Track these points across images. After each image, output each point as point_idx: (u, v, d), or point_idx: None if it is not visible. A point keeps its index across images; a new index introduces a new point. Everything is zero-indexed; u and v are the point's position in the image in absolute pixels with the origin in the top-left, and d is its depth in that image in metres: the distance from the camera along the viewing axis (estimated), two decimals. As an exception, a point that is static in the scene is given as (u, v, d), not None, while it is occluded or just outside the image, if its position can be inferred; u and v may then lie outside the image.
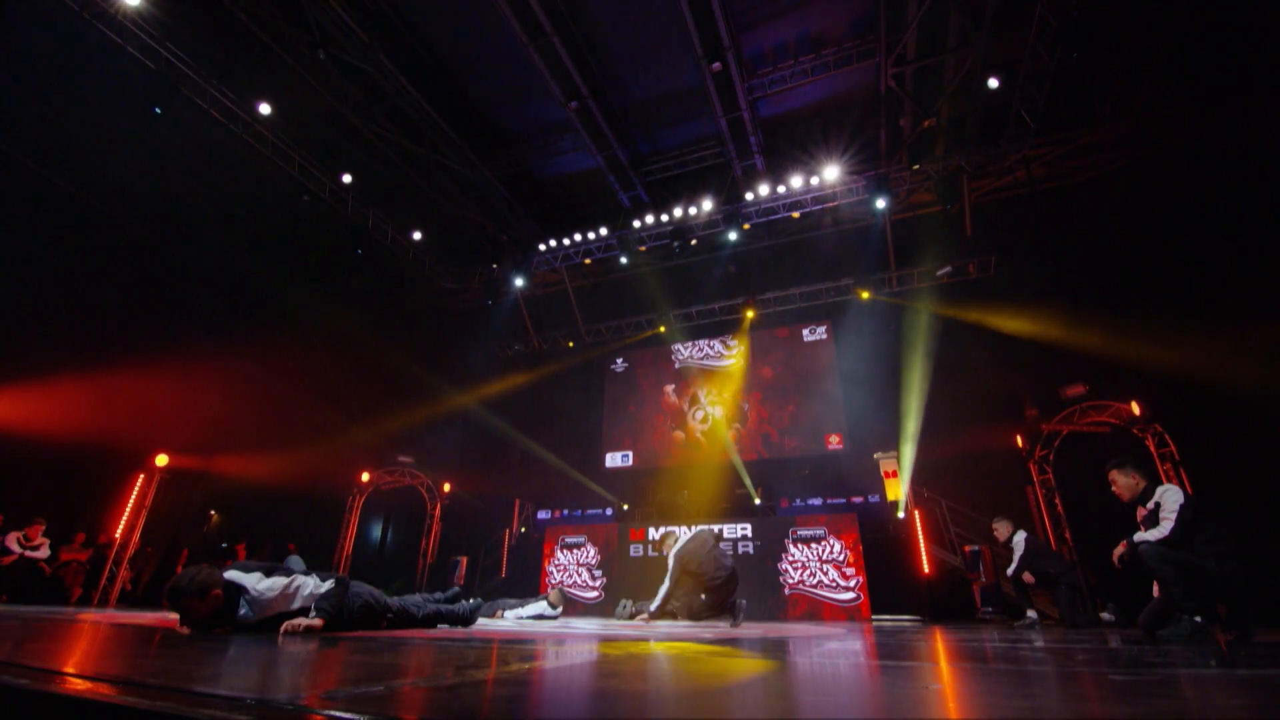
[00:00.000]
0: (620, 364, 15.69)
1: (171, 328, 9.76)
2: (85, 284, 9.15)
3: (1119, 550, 3.99)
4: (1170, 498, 3.86)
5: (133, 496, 8.89)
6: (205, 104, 9.49)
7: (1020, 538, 6.87)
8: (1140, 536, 3.85)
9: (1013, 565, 6.82)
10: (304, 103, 10.91)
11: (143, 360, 9.00)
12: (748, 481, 11.45)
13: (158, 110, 8.86)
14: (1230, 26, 8.89)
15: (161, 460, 9.17)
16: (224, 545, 10.05)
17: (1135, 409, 8.20)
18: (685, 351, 15.40)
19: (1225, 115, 8.44)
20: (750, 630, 5.03)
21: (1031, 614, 6.60)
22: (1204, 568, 3.58)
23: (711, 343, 15.14)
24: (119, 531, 8.69)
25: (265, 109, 10.16)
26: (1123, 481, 4.24)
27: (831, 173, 11.51)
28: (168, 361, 9.29)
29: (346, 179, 11.82)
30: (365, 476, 12.66)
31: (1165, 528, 3.75)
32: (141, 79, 8.62)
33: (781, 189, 11.97)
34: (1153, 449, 8.03)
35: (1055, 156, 11.62)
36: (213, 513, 12.00)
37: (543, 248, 13.97)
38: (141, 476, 9.03)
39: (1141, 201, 9.88)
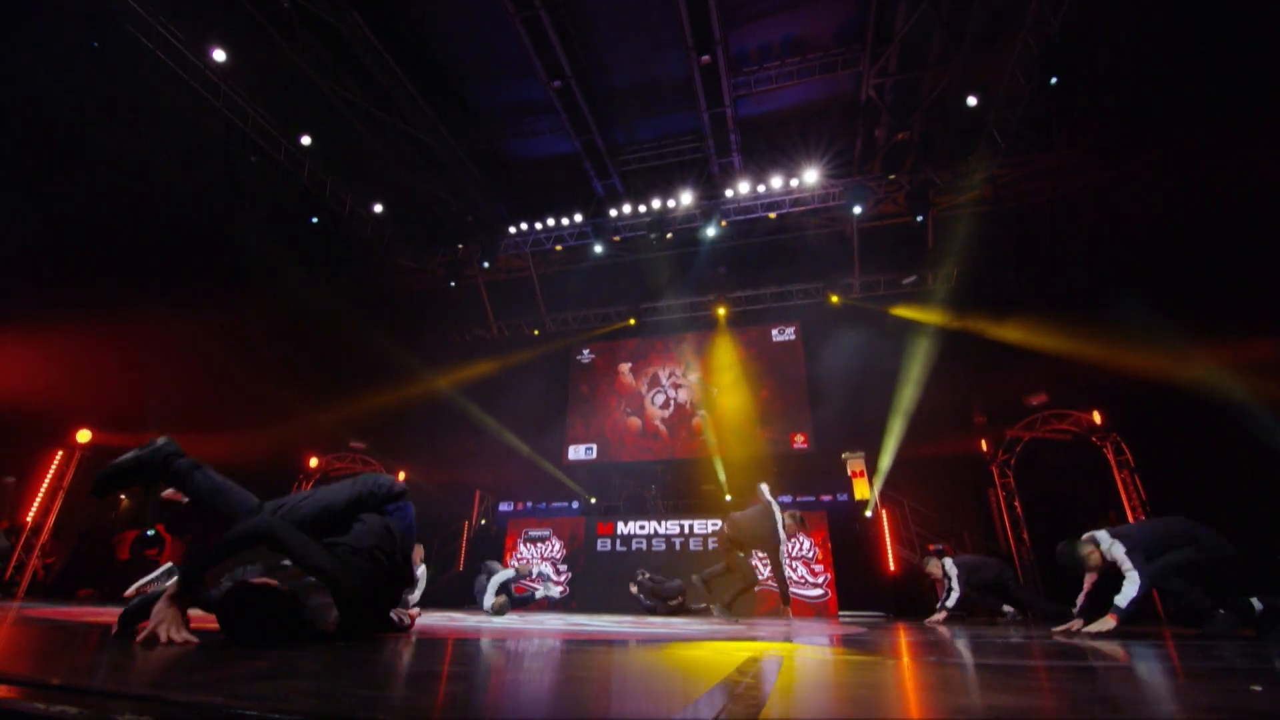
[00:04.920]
0: (587, 355, 15.37)
1: (97, 286, 8.69)
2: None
3: (1105, 628, 3.84)
4: (1116, 550, 3.94)
5: (48, 476, 7.88)
6: (151, 43, 8.54)
7: (950, 563, 6.95)
8: (1125, 600, 3.82)
9: (955, 592, 6.77)
10: (262, 55, 10.01)
11: (64, 322, 7.95)
12: (721, 476, 11.45)
13: (95, 45, 7.86)
14: (1175, 68, 9.57)
15: (83, 436, 8.18)
16: (150, 533, 9.10)
17: (1096, 418, 8.77)
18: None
19: (1177, 147, 9.08)
20: (766, 627, 4.96)
21: (1008, 608, 6.85)
22: (1197, 562, 3.74)
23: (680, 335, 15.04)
24: (31, 515, 7.68)
25: (220, 55, 9.26)
26: (1089, 553, 4.23)
27: (811, 175, 11.68)
28: (93, 325, 8.25)
29: (306, 141, 10.97)
30: (314, 462, 11.83)
31: (1134, 577, 3.81)
32: (78, 8, 7.64)
33: (761, 188, 12.05)
34: (1110, 457, 8.62)
35: (1013, 178, 12.21)
36: (122, 496, 10.93)
37: (513, 231, 13.50)
38: (60, 453, 8.02)
39: (1096, 222, 10.53)
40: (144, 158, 9.01)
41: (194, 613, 2.14)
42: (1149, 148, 9.94)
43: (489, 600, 6.89)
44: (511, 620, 5.33)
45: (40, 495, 7.84)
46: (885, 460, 10.18)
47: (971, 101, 9.89)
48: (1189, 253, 8.12)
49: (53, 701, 0.94)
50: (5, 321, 7.60)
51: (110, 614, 4.00)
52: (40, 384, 7.60)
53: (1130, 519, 8.18)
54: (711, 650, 2.54)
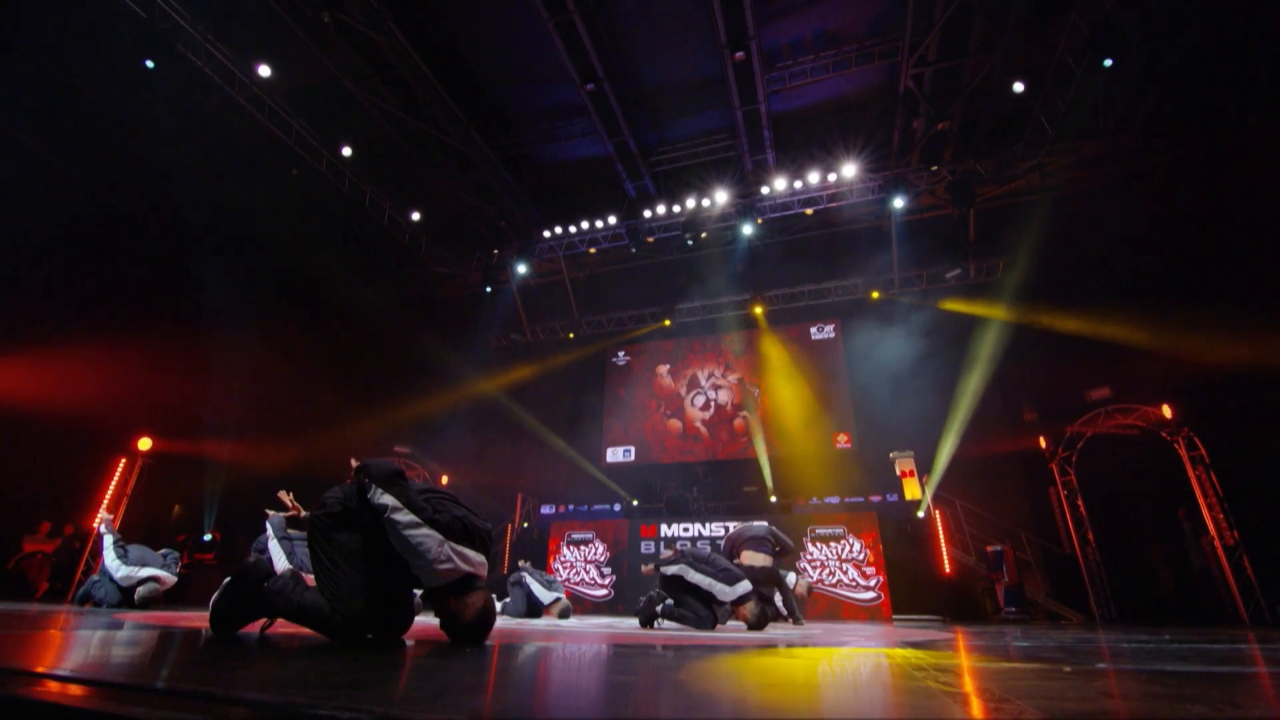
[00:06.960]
0: (622, 357, 15.33)
1: (156, 299, 8.97)
2: (62, 251, 8.31)
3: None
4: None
5: (112, 483, 8.12)
6: (200, 61, 8.78)
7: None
8: None
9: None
10: (304, 69, 10.24)
11: (125, 334, 8.20)
12: (767, 477, 11.26)
13: (150, 64, 8.11)
14: (1225, 56, 9.11)
15: (145, 444, 8.42)
16: (206, 538, 9.35)
17: (1166, 412, 8.36)
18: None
19: (1242, 130, 8.64)
20: (840, 633, 4.83)
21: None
22: None
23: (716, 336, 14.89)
24: (97, 521, 7.91)
25: (265, 71, 9.48)
26: None
27: (848, 170, 11.46)
28: (152, 336, 8.50)
29: (346, 152, 11.17)
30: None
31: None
32: (132, 28, 7.89)
33: (797, 184, 11.87)
34: (1183, 453, 8.20)
35: (1062, 165, 11.80)
36: (176, 506, 11.23)
37: (546, 234, 13.54)
38: (123, 461, 8.27)
39: (1155, 209, 10.09)
40: (196, 171, 9.27)
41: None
42: (1210, 131, 9.50)
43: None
44: (575, 624, 5.28)
45: (105, 502, 8.10)
46: (942, 458, 9.85)
47: (1018, 88, 9.57)
48: (1262, 238, 7.71)
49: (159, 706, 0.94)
50: (70, 334, 7.87)
51: (187, 618, 4.07)
52: (103, 394, 7.85)
53: (1206, 517, 7.77)
54: (834, 654, 2.45)
